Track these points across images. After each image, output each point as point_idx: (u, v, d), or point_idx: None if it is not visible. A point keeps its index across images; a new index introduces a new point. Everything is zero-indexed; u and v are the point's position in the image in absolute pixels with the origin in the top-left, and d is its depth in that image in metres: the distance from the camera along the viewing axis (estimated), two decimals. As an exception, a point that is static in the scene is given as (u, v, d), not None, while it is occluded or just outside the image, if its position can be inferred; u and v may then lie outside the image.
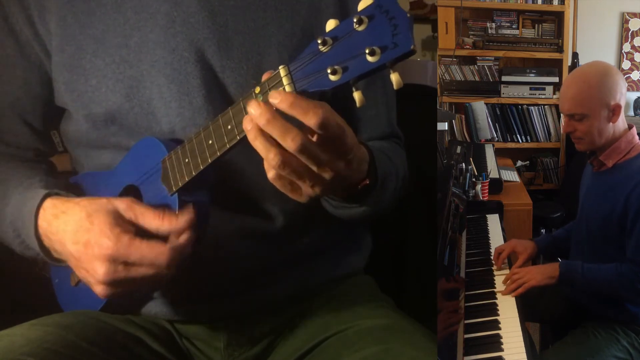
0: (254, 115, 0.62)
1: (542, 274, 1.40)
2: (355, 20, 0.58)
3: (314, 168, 0.64)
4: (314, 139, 0.63)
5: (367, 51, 0.57)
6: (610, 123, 1.40)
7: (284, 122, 0.61)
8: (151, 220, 0.74)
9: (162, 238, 0.73)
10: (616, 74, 1.43)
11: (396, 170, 0.90)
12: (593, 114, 1.39)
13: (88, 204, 0.77)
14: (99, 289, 0.74)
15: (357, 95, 0.61)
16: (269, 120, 0.61)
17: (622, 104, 1.41)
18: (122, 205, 0.75)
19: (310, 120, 0.60)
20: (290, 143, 0.61)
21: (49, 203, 0.82)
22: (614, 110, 1.39)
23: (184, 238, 0.73)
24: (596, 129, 1.40)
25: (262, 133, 0.62)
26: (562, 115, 1.56)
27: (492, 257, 1.60)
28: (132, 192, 0.82)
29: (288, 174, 0.64)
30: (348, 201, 0.79)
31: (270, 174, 0.65)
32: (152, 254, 0.71)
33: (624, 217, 1.36)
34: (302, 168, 0.64)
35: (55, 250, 0.82)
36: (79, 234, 0.75)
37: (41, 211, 0.81)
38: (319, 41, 0.60)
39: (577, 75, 1.45)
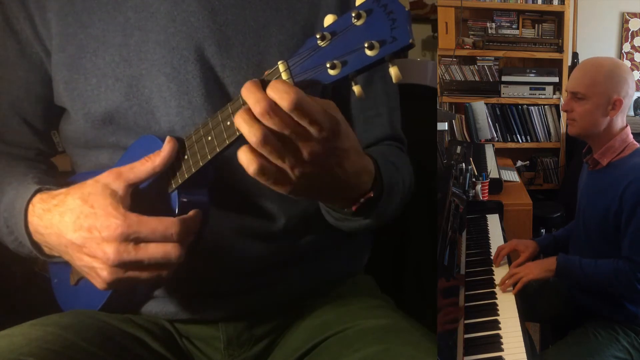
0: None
1: (539, 267, 1.42)
2: (353, 15, 0.58)
3: (289, 135, 0.61)
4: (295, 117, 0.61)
5: (365, 45, 0.58)
6: (608, 117, 1.43)
7: (261, 92, 0.60)
8: (143, 173, 0.75)
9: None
10: (628, 73, 1.47)
11: (402, 179, 0.89)
12: (593, 98, 1.43)
13: (77, 190, 0.77)
14: (105, 274, 0.73)
15: (356, 89, 0.61)
16: (247, 87, 0.61)
17: (625, 101, 1.43)
18: (110, 179, 0.75)
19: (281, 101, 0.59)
20: (256, 106, 0.59)
21: (37, 198, 0.81)
22: (615, 104, 1.42)
23: (192, 212, 0.74)
24: (591, 115, 1.43)
25: (246, 110, 0.61)
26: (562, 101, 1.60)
27: (492, 257, 1.61)
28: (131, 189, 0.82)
29: (268, 153, 0.62)
30: (351, 214, 0.77)
31: (252, 166, 0.62)
32: (162, 226, 0.71)
33: (619, 215, 1.38)
34: (282, 148, 0.62)
35: (47, 246, 0.81)
36: (80, 220, 0.74)
37: (30, 207, 0.81)
38: (318, 36, 0.60)
39: (592, 61, 1.49)
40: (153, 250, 0.72)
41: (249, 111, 0.61)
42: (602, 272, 1.38)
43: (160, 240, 0.72)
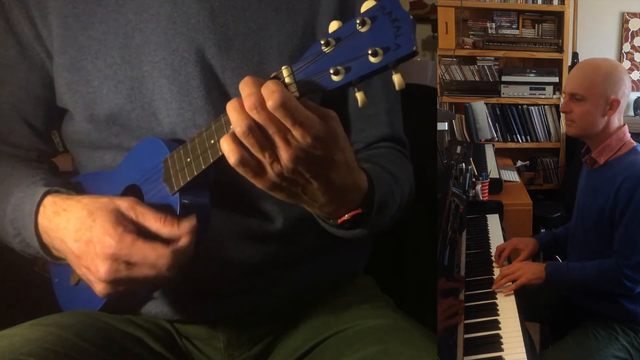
0: None
1: (530, 273, 1.44)
2: (358, 21, 0.58)
3: (273, 133, 0.63)
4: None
5: (369, 52, 0.58)
6: (606, 117, 1.45)
7: (255, 86, 0.62)
8: (152, 222, 0.74)
9: (164, 240, 0.73)
10: (624, 74, 1.49)
11: (401, 191, 0.89)
12: (592, 99, 1.45)
13: (90, 202, 0.77)
14: (100, 287, 0.75)
15: (359, 96, 0.61)
16: (245, 80, 0.63)
17: (622, 101, 1.46)
18: (124, 204, 0.75)
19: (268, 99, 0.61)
20: (247, 99, 0.61)
21: (49, 200, 0.81)
22: (612, 104, 1.44)
23: (185, 241, 0.73)
24: (590, 116, 1.46)
25: (238, 100, 0.63)
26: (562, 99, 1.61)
27: (492, 257, 1.61)
28: (133, 191, 0.82)
29: (251, 144, 0.63)
30: (339, 226, 0.78)
31: (233, 156, 0.63)
32: (154, 255, 0.72)
33: (614, 212, 1.40)
34: (265, 142, 0.63)
35: (55, 248, 0.82)
36: (81, 231, 0.75)
37: (41, 208, 0.81)
38: (322, 42, 0.61)
39: (589, 63, 1.52)
40: (145, 272, 0.72)
41: (241, 102, 0.62)
42: (589, 274, 1.42)
43: (149, 269, 0.72)
